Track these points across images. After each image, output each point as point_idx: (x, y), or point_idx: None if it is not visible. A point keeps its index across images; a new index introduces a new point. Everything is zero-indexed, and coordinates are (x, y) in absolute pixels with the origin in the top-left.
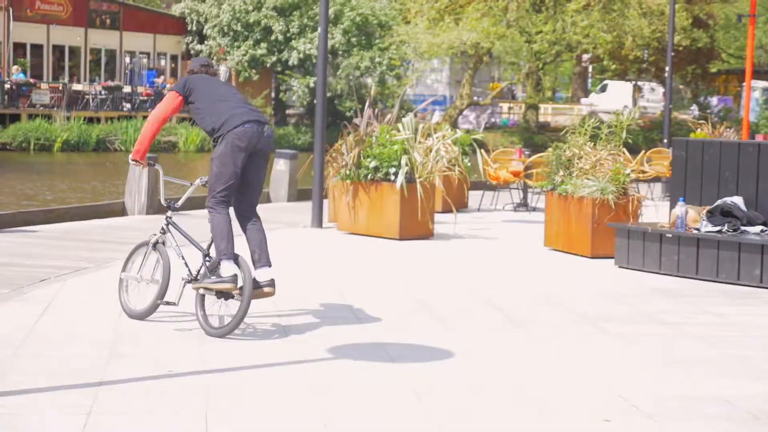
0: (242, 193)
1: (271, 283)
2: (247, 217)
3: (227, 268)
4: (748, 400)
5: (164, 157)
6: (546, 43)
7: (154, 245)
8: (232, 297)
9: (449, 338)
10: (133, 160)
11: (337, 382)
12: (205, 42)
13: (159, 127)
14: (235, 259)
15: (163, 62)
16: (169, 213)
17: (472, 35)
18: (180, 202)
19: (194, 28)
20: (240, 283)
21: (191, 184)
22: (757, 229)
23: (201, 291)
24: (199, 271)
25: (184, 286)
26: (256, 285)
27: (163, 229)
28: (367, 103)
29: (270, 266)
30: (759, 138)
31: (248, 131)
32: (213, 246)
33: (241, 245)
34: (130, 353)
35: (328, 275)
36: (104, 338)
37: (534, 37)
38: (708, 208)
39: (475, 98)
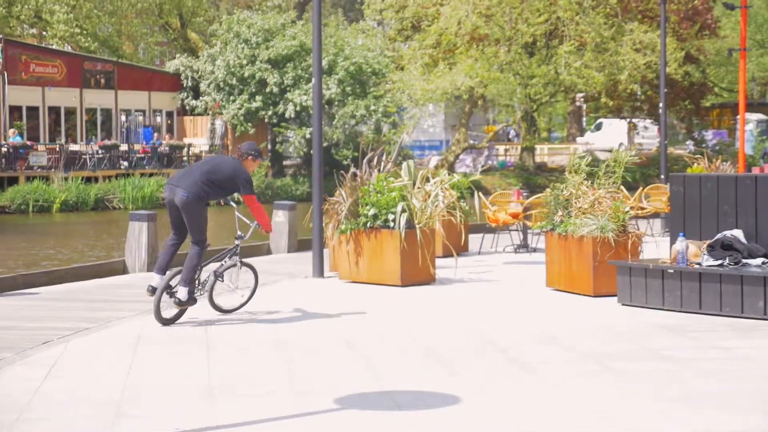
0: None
1: (177, 301)
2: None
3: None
4: None
5: None
6: (540, 86)
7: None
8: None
9: (456, 383)
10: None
11: None
12: (201, 98)
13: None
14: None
15: (159, 119)
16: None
17: (465, 80)
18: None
19: (189, 84)
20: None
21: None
22: (759, 261)
23: None
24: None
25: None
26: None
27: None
28: (368, 153)
29: (183, 285)
30: (756, 171)
31: (166, 192)
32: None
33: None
34: (136, 413)
35: (333, 324)
36: (109, 398)
37: (528, 81)
38: (708, 242)
39: (471, 141)
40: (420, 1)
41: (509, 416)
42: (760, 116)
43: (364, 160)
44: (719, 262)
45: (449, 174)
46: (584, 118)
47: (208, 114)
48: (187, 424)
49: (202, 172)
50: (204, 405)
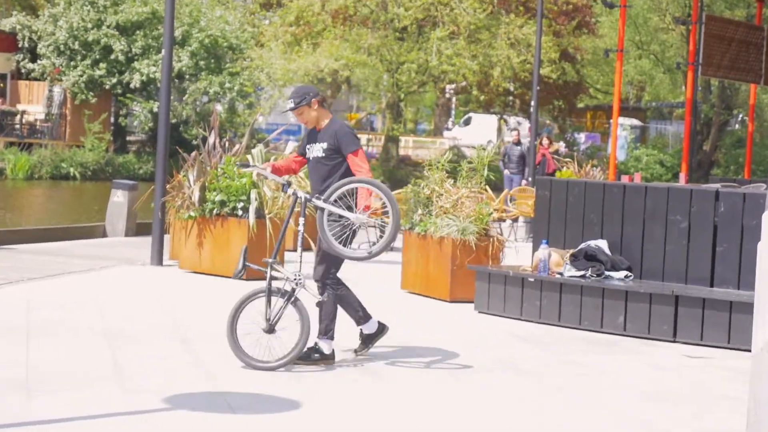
0: None
1: None
2: None
3: None
4: None
5: None
6: (412, 72)
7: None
8: None
9: (296, 387)
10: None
11: None
12: (38, 61)
13: None
14: None
15: None
16: None
17: (330, 62)
18: None
19: (26, 45)
20: None
21: None
22: (622, 274)
23: None
24: None
25: None
26: None
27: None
28: (212, 131)
29: None
30: (625, 179)
31: None
32: None
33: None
34: None
35: (168, 318)
36: None
37: (396, 66)
38: (572, 251)
39: None
40: None
41: (351, 424)
42: (635, 121)
43: (209, 142)
44: (581, 273)
45: None
46: (453, 112)
47: (45, 79)
48: (1, 418)
49: None
50: (20, 400)
